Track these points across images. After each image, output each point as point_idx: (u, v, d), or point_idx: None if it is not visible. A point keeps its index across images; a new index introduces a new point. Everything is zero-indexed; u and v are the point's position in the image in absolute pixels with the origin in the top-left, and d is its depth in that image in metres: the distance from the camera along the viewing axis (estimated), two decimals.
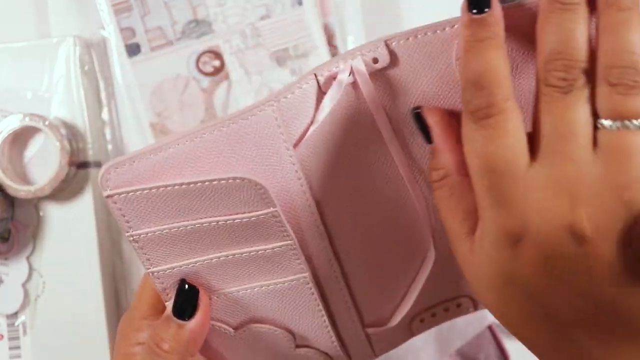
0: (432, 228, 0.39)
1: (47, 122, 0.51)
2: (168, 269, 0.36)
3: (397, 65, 0.36)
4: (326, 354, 0.41)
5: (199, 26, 0.53)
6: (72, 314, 0.53)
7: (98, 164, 0.54)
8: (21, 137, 0.53)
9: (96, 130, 0.54)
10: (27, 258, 0.53)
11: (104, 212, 0.54)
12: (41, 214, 0.53)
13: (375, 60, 0.36)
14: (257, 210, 0.35)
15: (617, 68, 0.29)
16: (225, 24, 0.53)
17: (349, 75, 0.36)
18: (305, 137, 0.36)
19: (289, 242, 0.36)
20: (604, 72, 0.30)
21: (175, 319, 0.35)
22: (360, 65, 0.36)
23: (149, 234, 0.35)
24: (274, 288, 0.37)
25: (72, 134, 0.52)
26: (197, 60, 0.54)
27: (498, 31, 0.31)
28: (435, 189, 0.35)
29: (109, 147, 0.55)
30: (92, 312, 0.53)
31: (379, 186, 0.38)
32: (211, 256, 0.36)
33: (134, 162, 0.34)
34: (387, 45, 0.35)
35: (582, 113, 0.30)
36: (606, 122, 0.30)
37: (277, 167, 0.36)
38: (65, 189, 0.53)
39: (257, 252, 0.36)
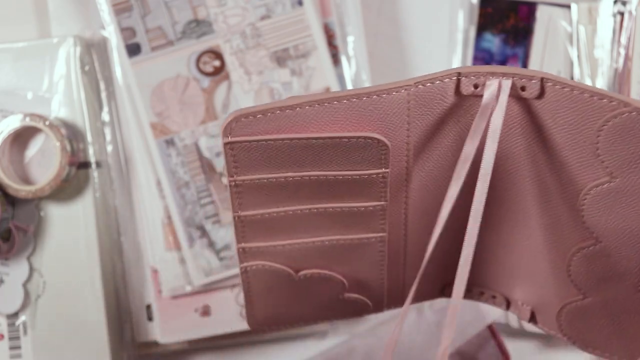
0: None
1: (47, 122, 0.51)
2: (255, 214, 0.38)
3: (541, 102, 0.36)
4: (367, 300, 0.43)
5: (199, 26, 0.53)
6: (72, 314, 0.53)
7: (98, 164, 0.54)
8: (21, 137, 0.53)
9: (96, 130, 0.54)
10: (28, 258, 0.53)
11: (104, 212, 0.54)
12: (41, 214, 0.53)
13: (523, 89, 0.36)
14: (370, 169, 0.37)
15: None
16: (226, 24, 0.54)
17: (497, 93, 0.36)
18: (425, 133, 0.37)
19: (383, 202, 0.38)
20: None
21: None
22: (507, 87, 0.36)
23: (252, 182, 0.36)
24: (348, 242, 0.39)
25: (72, 134, 0.52)
26: (198, 60, 0.54)
27: None
28: None
29: (109, 147, 0.55)
30: (92, 312, 0.53)
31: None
32: (301, 207, 0.38)
33: (262, 114, 0.35)
34: (542, 82, 0.35)
35: None
36: None
37: (391, 150, 0.37)
38: (65, 189, 0.53)
39: (350, 208, 0.38)
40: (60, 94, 0.53)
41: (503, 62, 0.56)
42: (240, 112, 0.35)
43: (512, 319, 0.55)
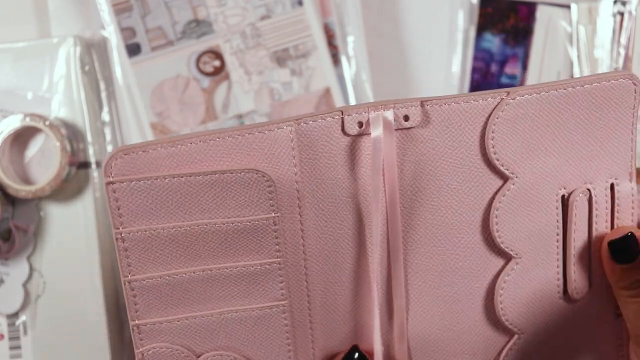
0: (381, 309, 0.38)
1: (47, 122, 0.51)
2: (146, 278, 0.35)
3: (426, 128, 0.36)
4: None
5: (199, 26, 0.54)
6: (72, 314, 0.53)
7: (98, 164, 0.54)
8: (22, 137, 0.53)
9: (96, 130, 0.54)
10: (28, 258, 0.53)
11: (104, 212, 0.54)
12: (41, 214, 0.53)
13: (407, 118, 0.35)
14: (259, 214, 0.35)
15: None
16: (226, 24, 0.54)
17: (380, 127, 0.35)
18: (315, 172, 0.36)
19: (278, 259, 0.35)
20: None
21: None
22: (390, 118, 0.35)
23: (139, 233, 0.34)
24: (247, 315, 0.36)
25: (72, 134, 0.53)
26: (198, 60, 0.54)
27: None
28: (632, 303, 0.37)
29: (109, 147, 0.55)
30: (92, 312, 0.53)
31: (348, 249, 0.37)
32: (195, 269, 0.35)
33: (143, 151, 0.33)
34: (422, 106, 0.35)
35: None
36: None
37: (280, 189, 0.35)
38: (65, 189, 0.53)
39: (244, 267, 0.35)
40: (60, 94, 0.53)
41: (503, 62, 0.56)
42: (121, 148, 0.33)
43: None
